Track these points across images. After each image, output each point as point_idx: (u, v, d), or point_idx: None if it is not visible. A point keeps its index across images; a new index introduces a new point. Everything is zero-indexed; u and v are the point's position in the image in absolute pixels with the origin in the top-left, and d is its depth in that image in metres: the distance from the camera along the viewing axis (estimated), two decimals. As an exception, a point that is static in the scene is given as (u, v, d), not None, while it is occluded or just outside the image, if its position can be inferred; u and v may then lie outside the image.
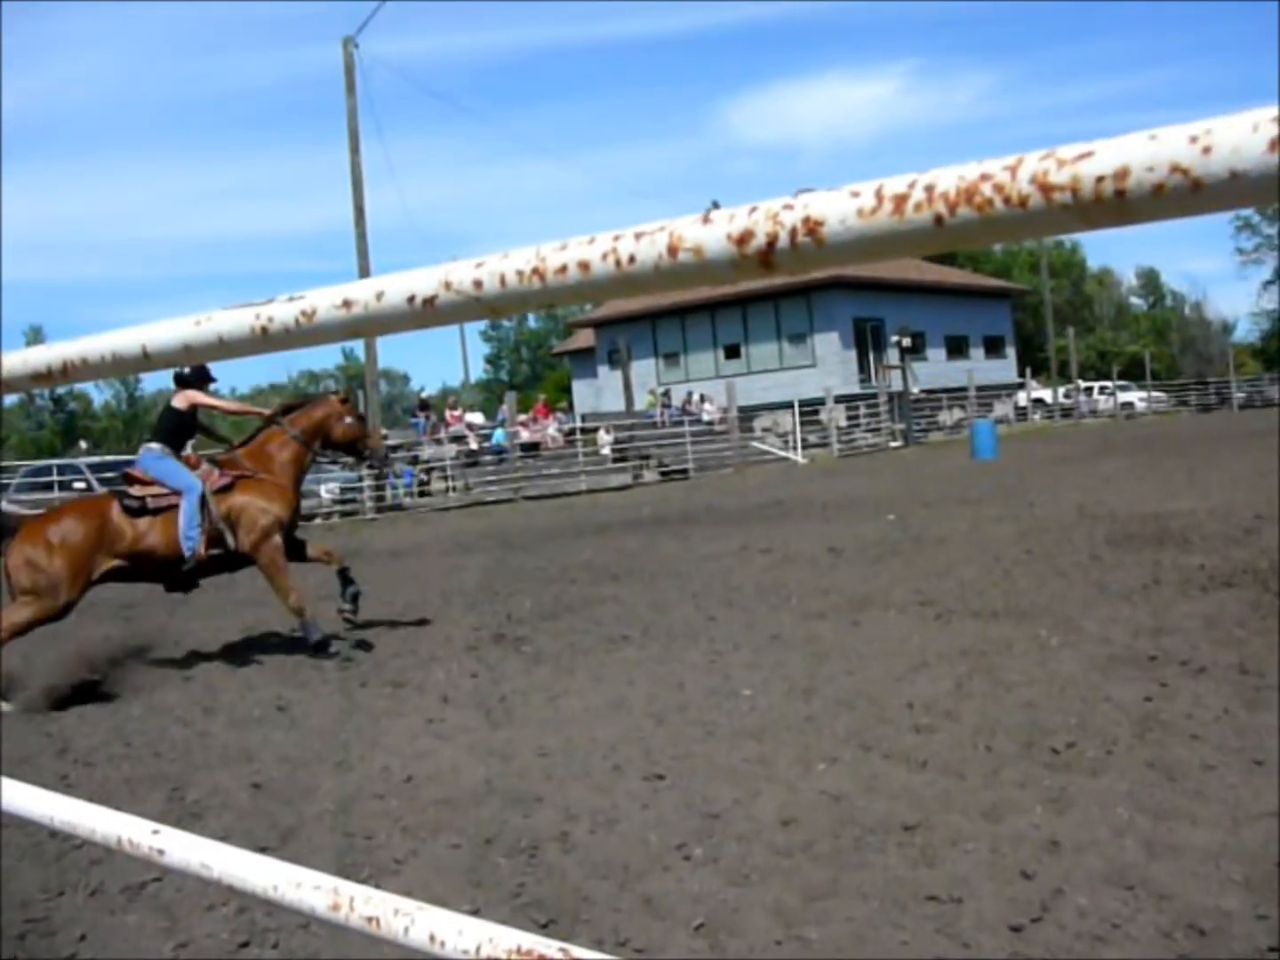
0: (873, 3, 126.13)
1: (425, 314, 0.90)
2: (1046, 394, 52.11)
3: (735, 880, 3.92)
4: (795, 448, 35.99)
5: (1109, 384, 53.95)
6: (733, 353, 44.65)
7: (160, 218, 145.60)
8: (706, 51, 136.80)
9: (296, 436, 8.98)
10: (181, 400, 8.87)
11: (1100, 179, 0.62)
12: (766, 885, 3.86)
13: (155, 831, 1.44)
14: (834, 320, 41.73)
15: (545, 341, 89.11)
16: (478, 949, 1.18)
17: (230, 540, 8.48)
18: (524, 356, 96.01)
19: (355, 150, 28.79)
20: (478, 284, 0.87)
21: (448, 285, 0.89)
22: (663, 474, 32.09)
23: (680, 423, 35.55)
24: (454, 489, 28.70)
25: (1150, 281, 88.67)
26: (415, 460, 30.05)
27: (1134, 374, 59.39)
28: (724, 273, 0.78)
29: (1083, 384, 54.77)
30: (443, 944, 1.21)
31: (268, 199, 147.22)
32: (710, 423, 36.98)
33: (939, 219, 0.68)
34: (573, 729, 5.95)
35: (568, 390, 56.89)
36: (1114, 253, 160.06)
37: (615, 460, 32.69)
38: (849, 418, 38.37)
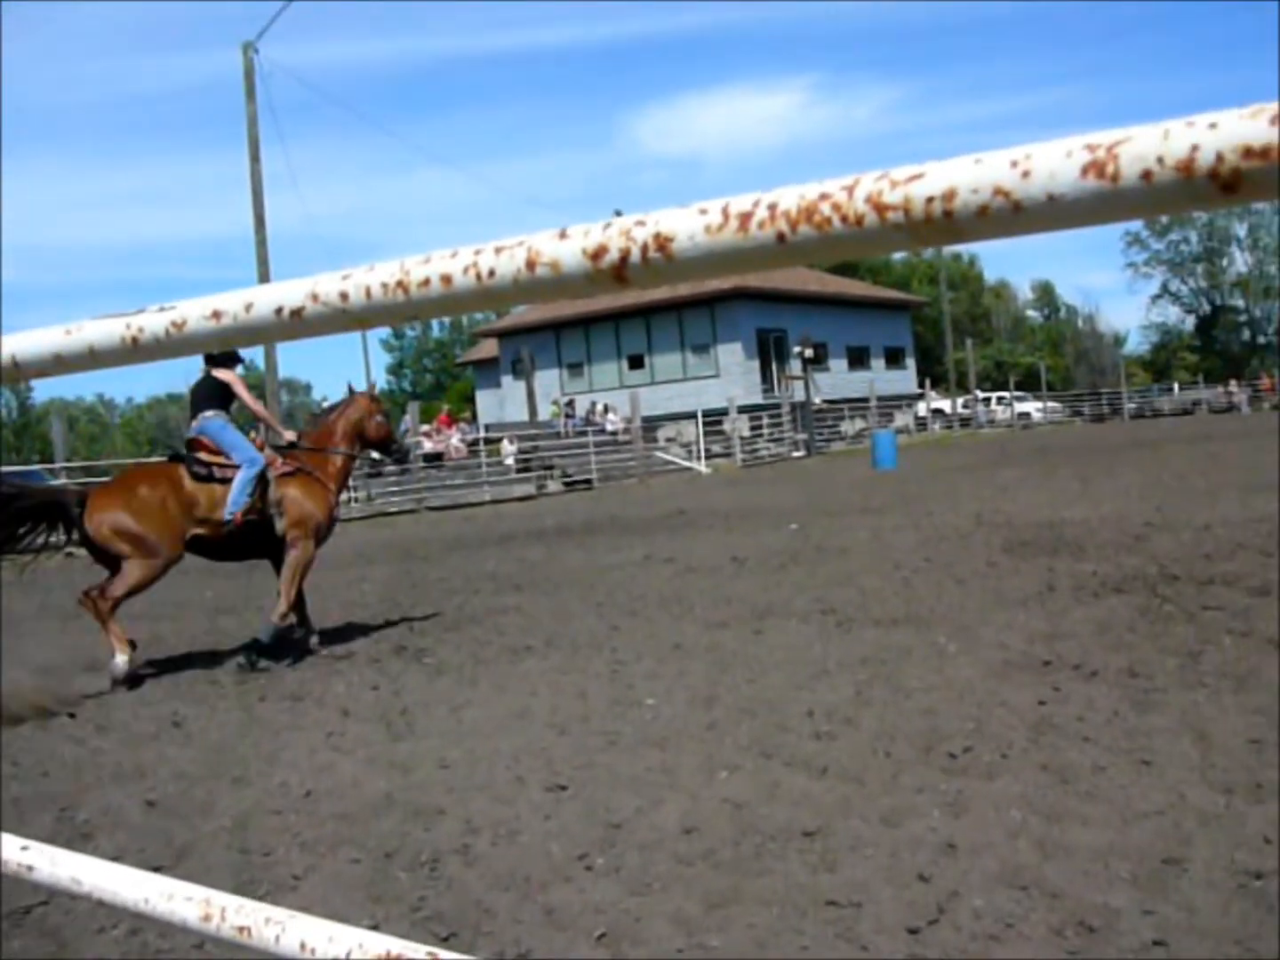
0: (778, 3, 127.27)
1: (293, 325, 0.90)
2: (945, 404, 53.04)
3: (637, 889, 3.92)
4: (699, 458, 36.19)
5: (1006, 394, 55.07)
6: (637, 363, 44.79)
7: (56, 223, 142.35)
8: (614, 63, 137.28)
9: (346, 453, 9.31)
10: (223, 376, 8.95)
11: (930, 199, 0.64)
12: (668, 894, 3.86)
13: (24, 848, 1.42)
14: (737, 331, 42.04)
15: (449, 351, 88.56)
16: (348, 954, 1.18)
17: (278, 526, 8.76)
18: (427, 366, 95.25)
19: (255, 158, 28.47)
20: (344, 296, 0.87)
21: (315, 297, 0.89)
22: (566, 484, 32.11)
23: (584, 433, 35.58)
24: (355, 500, 28.39)
25: (1046, 294, 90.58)
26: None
27: (1030, 385, 60.77)
28: (580, 287, 0.79)
29: (980, 394, 55.80)
30: (313, 951, 1.20)
31: (167, 205, 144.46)
32: (614, 433, 37.05)
33: (781, 236, 0.69)
34: (475, 740, 5.91)
35: (471, 400, 56.75)
36: (1011, 266, 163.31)
37: (519, 471, 32.70)
38: (752, 428, 38.69)
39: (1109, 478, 18.51)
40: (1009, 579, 9.24)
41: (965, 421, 51.23)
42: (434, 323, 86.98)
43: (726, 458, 36.42)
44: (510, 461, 32.95)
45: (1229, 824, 4.03)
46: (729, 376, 41.80)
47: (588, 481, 32.07)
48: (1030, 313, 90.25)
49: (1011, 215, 0.61)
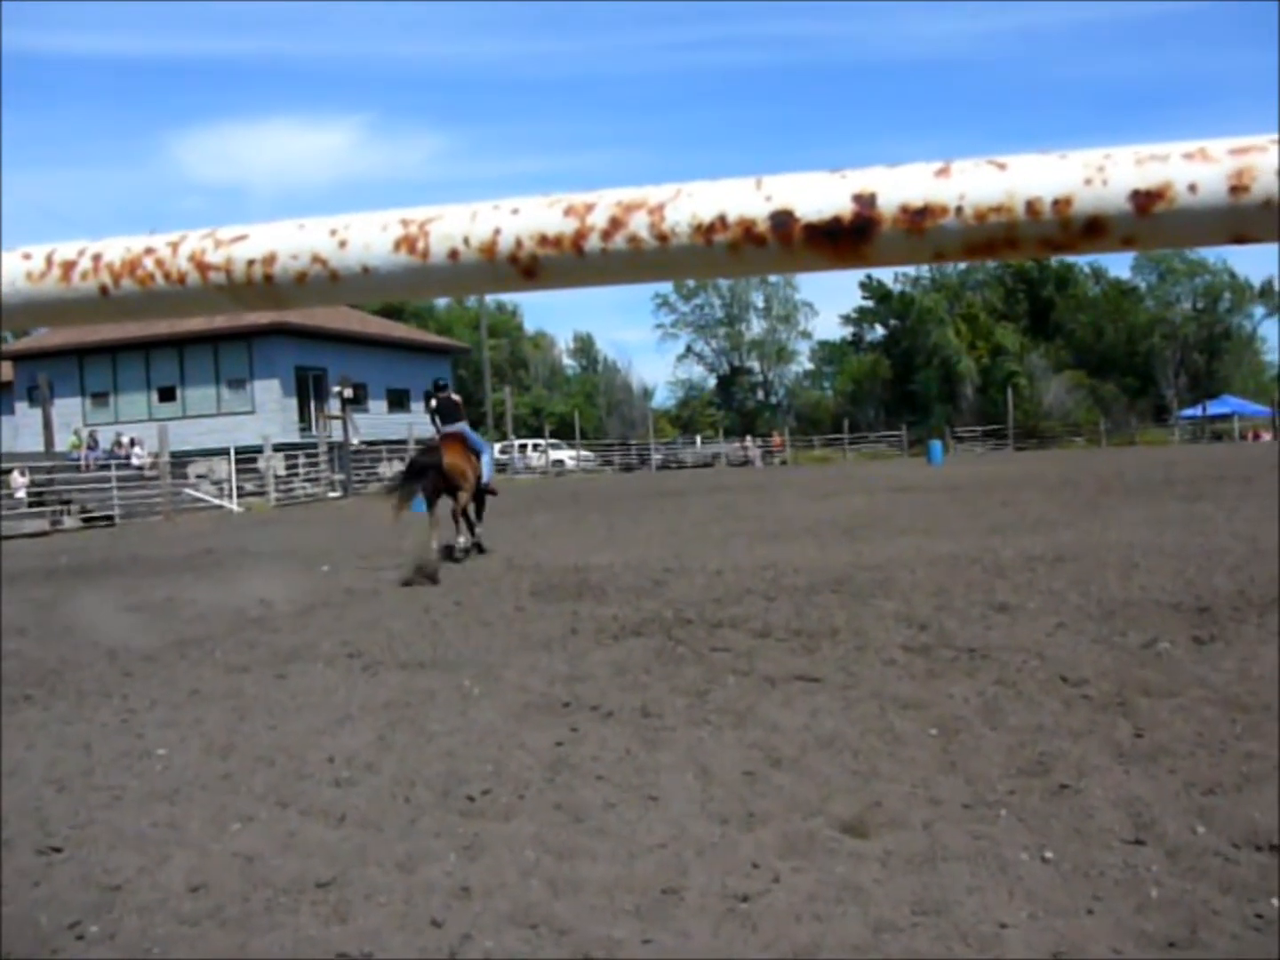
0: (331, 40, 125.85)
1: None
2: (484, 449, 53.72)
3: (135, 955, 3.70)
4: (231, 496, 35.05)
5: (542, 442, 56.61)
6: (167, 395, 43.00)
7: None
8: (156, 80, 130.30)
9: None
10: (457, 398, 15.67)
11: (251, 263, 0.63)
12: (169, 957, 3.67)
13: None
14: (275, 367, 41.19)
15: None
16: None
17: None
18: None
19: None
20: None
21: None
22: (85, 520, 30.31)
23: (107, 466, 33.67)
24: None
25: (585, 346, 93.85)
26: None
27: (565, 433, 62.70)
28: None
29: (517, 441, 57.06)
30: None
31: None
32: (141, 467, 35.41)
33: (104, 289, 0.66)
34: (-46, 804, 5.39)
35: (-21, 428, 52.49)
36: (552, 318, 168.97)
37: (31, 505, 30.65)
38: (288, 467, 37.90)
39: (634, 525, 19.43)
40: (534, 622, 9.46)
41: (502, 467, 52.17)
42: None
43: (260, 496, 35.44)
44: (22, 494, 30.83)
45: (723, 852, 4.28)
46: (265, 413, 40.85)
47: (109, 518, 30.37)
48: (567, 362, 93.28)
49: (329, 284, 0.61)
